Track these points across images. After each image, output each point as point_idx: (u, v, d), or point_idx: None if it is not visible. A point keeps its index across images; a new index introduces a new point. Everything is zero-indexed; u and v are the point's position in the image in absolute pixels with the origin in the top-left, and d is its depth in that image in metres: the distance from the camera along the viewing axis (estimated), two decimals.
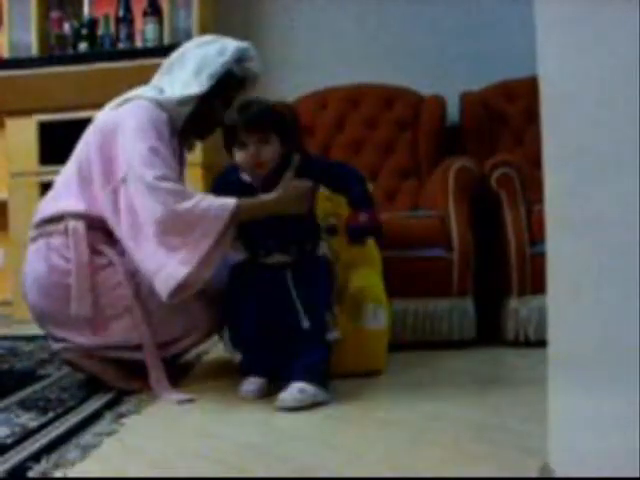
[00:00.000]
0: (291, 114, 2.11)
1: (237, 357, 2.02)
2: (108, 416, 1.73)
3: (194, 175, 3.26)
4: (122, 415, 1.74)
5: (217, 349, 2.61)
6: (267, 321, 1.97)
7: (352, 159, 3.23)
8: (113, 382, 2.01)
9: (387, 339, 2.21)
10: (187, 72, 2.12)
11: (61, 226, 2.02)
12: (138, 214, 1.91)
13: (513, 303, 2.58)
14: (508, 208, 2.60)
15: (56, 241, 2.01)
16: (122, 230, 1.95)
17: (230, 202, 1.89)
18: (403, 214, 2.84)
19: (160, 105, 2.08)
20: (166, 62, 2.21)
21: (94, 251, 2.01)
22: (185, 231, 1.87)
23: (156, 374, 1.98)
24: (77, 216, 2.02)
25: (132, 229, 1.92)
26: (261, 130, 1.92)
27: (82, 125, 2.17)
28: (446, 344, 2.58)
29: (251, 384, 1.95)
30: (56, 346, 2.05)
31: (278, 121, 1.96)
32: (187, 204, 1.88)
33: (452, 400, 1.87)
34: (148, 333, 1.99)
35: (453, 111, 3.29)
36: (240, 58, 2.16)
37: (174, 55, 2.19)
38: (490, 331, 2.70)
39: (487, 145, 3.13)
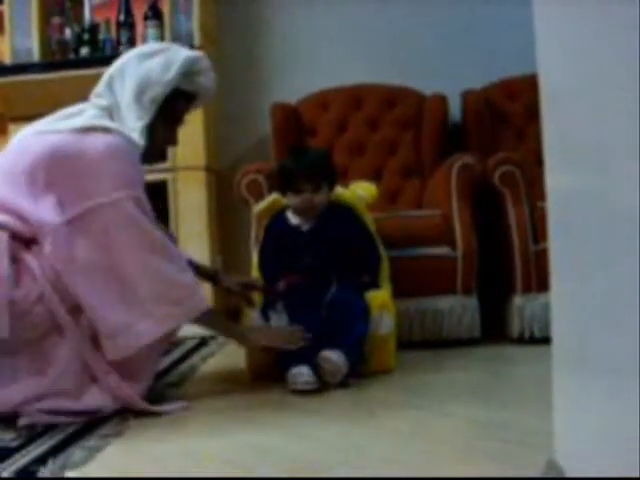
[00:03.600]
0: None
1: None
2: (114, 418, 1.74)
3: (199, 178, 3.27)
4: (127, 417, 1.74)
5: (207, 364, 2.61)
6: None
7: (355, 160, 3.24)
8: None
9: (395, 341, 2.22)
10: (128, 94, 1.91)
11: None
12: (125, 269, 1.78)
13: (518, 301, 2.58)
14: (511, 206, 2.60)
15: None
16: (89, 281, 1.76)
17: (206, 304, 1.91)
18: (407, 213, 2.85)
19: (130, 142, 1.88)
20: (106, 74, 1.98)
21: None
22: (172, 299, 1.81)
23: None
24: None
25: (111, 282, 1.77)
26: (317, 179, 2.17)
27: None
28: (451, 342, 2.58)
29: (304, 375, 1.96)
30: None
31: (330, 171, 2.23)
32: (185, 278, 1.87)
33: (457, 398, 1.88)
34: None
35: (455, 110, 3.28)
36: (188, 72, 1.96)
37: (115, 66, 1.98)
38: (495, 329, 2.70)
39: (489, 143, 3.12)
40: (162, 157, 2.12)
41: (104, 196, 1.79)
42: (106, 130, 1.86)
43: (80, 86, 3.39)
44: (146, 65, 1.93)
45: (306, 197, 2.18)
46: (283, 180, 2.25)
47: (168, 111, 1.97)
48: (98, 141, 1.83)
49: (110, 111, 1.93)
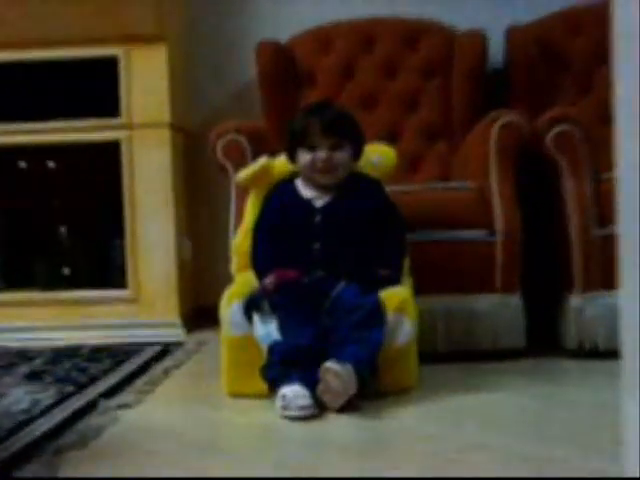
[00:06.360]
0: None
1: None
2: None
3: (161, 138, 3.27)
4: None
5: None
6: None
7: (365, 116, 3.22)
8: None
9: (416, 352, 2.23)
10: None
11: None
12: None
13: (575, 301, 2.58)
14: (569, 177, 2.59)
15: None
16: None
17: None
18: (431, 186, 2.85)
19: None
20: None
21: None
22: None
23: None
24: None
25: None
26: (337, 135, 2.21)
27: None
28: (488, 354, 2.58)
29: (299, 397, 1.93)
30: None
31: (355, 128, 2.26)
32: None
33: (495, 427, 1.88)
34: None
35: (496, 51, 3.28)
36: None
37: None
38: (545, 338, 2.72)
39: (541, 95, 3.13)
40: None
41: None
42: None
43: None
44: None
45: (323, 154, 2.19)
46: (293, 135, 2.26)
47: None
48: None
49: None
